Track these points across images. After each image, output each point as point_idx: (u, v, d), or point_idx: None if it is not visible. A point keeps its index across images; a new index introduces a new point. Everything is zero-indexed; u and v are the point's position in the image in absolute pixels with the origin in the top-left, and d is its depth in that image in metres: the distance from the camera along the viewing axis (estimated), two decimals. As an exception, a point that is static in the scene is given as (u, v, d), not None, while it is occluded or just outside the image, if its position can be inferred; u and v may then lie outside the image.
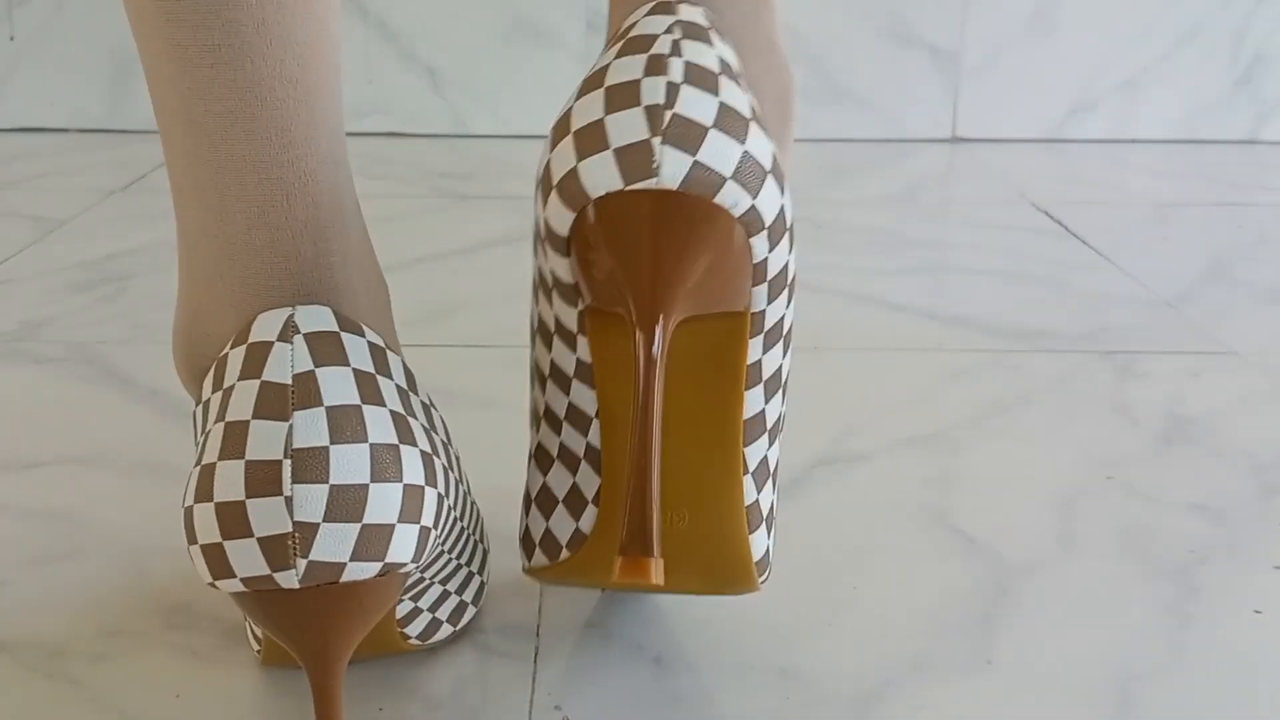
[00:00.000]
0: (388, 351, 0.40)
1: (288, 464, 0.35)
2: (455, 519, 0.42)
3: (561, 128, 0.38)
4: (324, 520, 0.35)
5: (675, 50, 0.37)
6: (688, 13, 0.39)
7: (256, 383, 0.36)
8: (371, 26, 1.37)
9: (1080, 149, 1.40)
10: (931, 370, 0.77)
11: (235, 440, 0.36)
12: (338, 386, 0.37)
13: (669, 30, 0.38)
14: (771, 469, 0.43)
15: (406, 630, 0.45)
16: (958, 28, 1.39)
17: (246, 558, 0.35)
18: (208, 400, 0.38)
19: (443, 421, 0.43)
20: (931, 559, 0.56)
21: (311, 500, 0.35)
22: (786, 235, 0.39)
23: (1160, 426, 0.69)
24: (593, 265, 0.38)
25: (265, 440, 0.35)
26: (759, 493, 0.42)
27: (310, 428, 0.36)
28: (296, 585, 0.36)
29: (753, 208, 0.37)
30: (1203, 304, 0.89)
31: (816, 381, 0.75)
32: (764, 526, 0.43)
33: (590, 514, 0.42)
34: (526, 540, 0.45)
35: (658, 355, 0.37)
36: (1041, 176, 1.27)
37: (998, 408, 0.71)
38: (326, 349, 0.37)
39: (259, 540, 0.35)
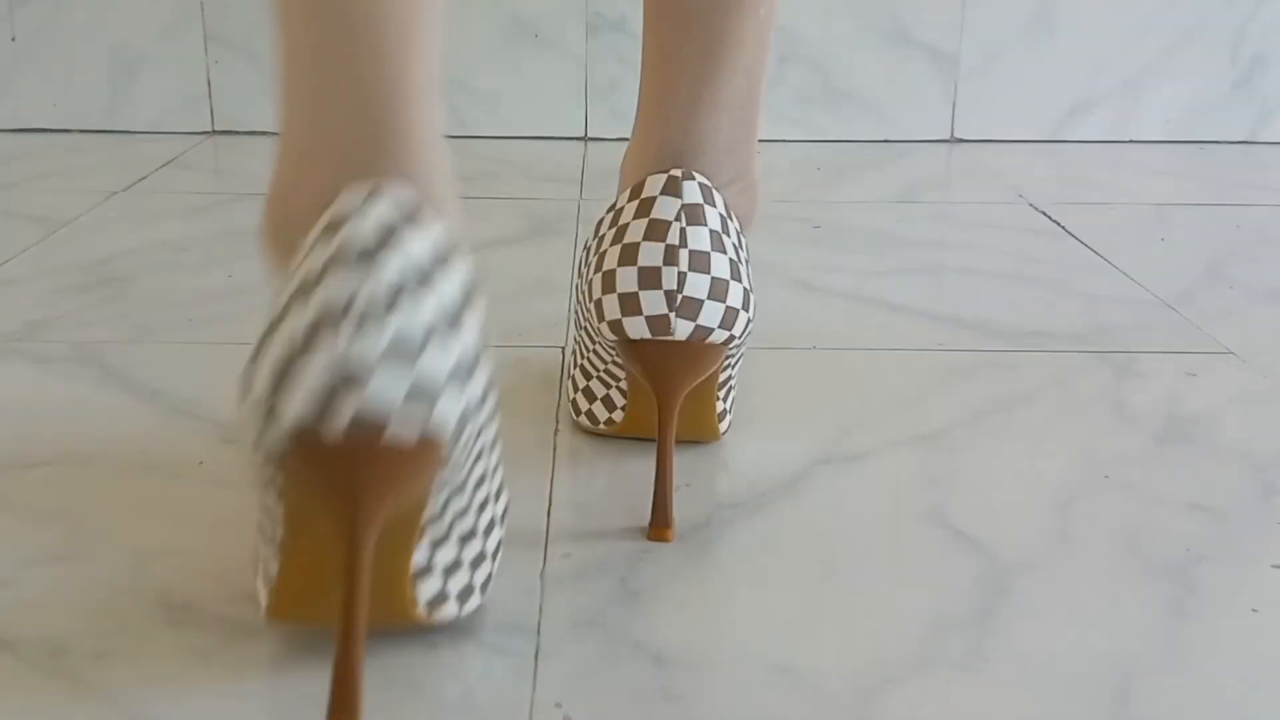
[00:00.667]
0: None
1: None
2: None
3: (608, 283, 0.56)
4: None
5: (682, 240, 0.55)
6: (689, 192, 0.56)
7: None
8: (371, 27, 1.37)
9: (1079, 150, 1.40)
10: (931, 370, 0.77)
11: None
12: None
13: (678, 217, 0.55)
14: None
15: (418, 591, 0.46)
16: (956, 29, 1.40)
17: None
18: (293, 272, 0.42)
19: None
20: (931, 558, 0.56)
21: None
22: (748, 317, 0.57)
23: (1158, 426, 0.69)
24: (633, 366, 0.58)
25: (335, 290, 0.39)
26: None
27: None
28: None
29: (730, 335, 0.57)
30: (1201, 304, 0.89)
31: (816, 381, 0.75)
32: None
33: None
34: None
35: (672, 417, 0.57)
36: (1040, 177, 1.27)
37: (996, 407, 0.71)
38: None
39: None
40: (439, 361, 0.39)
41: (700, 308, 0.55)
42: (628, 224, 0.56)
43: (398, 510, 0.41)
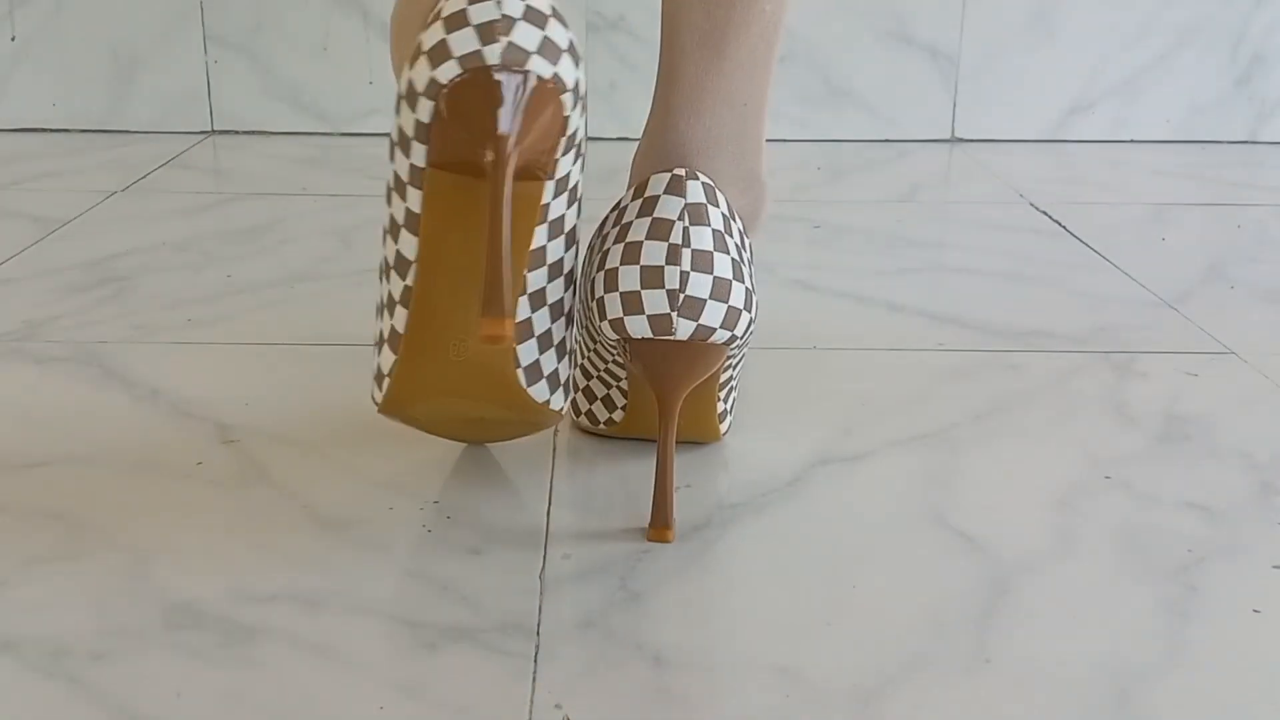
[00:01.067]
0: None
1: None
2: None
3: (611, 282, 0.56)
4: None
5: (685, 239, 0.55)
6: (693, 191, 0.56)
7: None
8: (372, 27, 1.37)
9: (1079, 149, 1.40)
10: (931, 370, 0.77)
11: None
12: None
13: (680, 216, 0.55)
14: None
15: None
16: (957, 28, 1.39)
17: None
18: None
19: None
20: (931, 558, 0.56)
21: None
22: (750, 317, 0.57)
23: (1159, 426, 0.69)
24: (634, 365, 0.57)
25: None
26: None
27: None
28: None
29: (732, 336, 0.56)
30: (1201, 304, 0.89)
31: (816, 381, 0.75)
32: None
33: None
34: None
35: (673, 416, 0.57)
36: (1040, 177, 1.27)
37: (997, 407, 0.71)
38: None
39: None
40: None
41: (702, 307, 0.55)
42: (630, 223, 0.56)
43: (529, 138, 0.50)
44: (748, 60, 0.59)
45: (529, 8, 0.49)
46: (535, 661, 0.48)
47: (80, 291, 0.88)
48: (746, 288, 0.56)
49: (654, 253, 0.55)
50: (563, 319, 0.56)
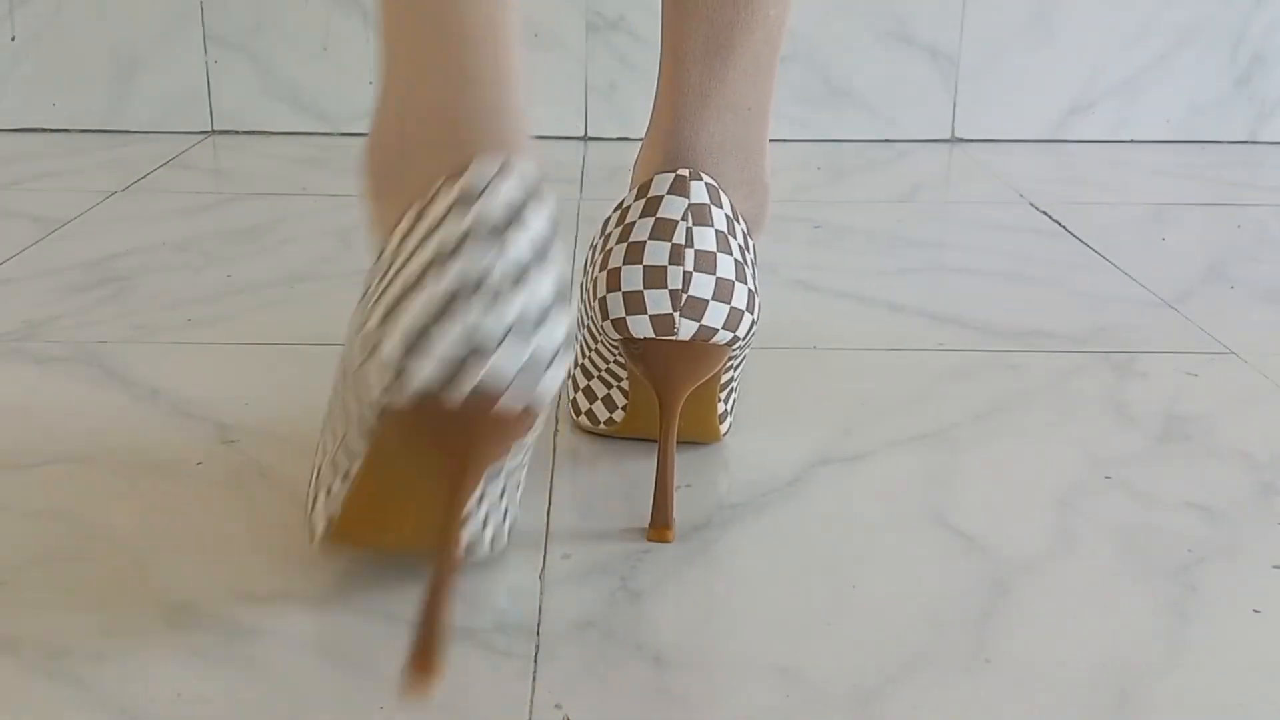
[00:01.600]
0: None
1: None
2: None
3: (613, 281, 0.56)
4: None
5: (688, 240, 0.55)
6: (696, 192, 0.56)
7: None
8: (372, 27, 1.37)
9: (1079, 149, 1.40)
10: (931, 370, 0.77)
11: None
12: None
13: (684, 216, 0.55)
14: (730, 391, 0.65)
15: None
16: (957, 28, 1.39)
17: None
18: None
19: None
20: (931, 558, 0.56)
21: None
22: (752, 319, 0.57)
23: (1159, 426, 0.69)
24: (635, 365, 0.57)
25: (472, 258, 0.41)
26: (725, 404, 0.64)
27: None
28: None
29: (734, 337, 0.57)
30: (1201, 304, 0.89)
31: (816, 381, 0.75)
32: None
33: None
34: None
35: (674, 417, 0.57)
36: (1040, 177, 1.27)
37: (997, 407, 0.71)
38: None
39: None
40: (551, 338, 0.42)
41: (705, 308, 0.55)
42: (634, 222, 0.56)
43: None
44: (751, 65, 0.59)
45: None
46: (535, 661, 0.48)
47: (80, 291, 0.88)
48: (749, 289, 0.56)
49: (657, 252, 0.55)
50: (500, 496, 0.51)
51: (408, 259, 0.43)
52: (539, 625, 0.50)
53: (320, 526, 0.49)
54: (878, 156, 1.35)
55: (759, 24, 0.58)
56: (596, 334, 0.61)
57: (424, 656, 0.40)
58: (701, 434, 0.64)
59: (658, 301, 0.54)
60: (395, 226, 0.45)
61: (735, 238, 0.56)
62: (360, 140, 1.37)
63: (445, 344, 0.41)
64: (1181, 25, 1.40)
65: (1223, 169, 1.32)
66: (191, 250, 0.98)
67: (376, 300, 0.43)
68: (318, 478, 0.52)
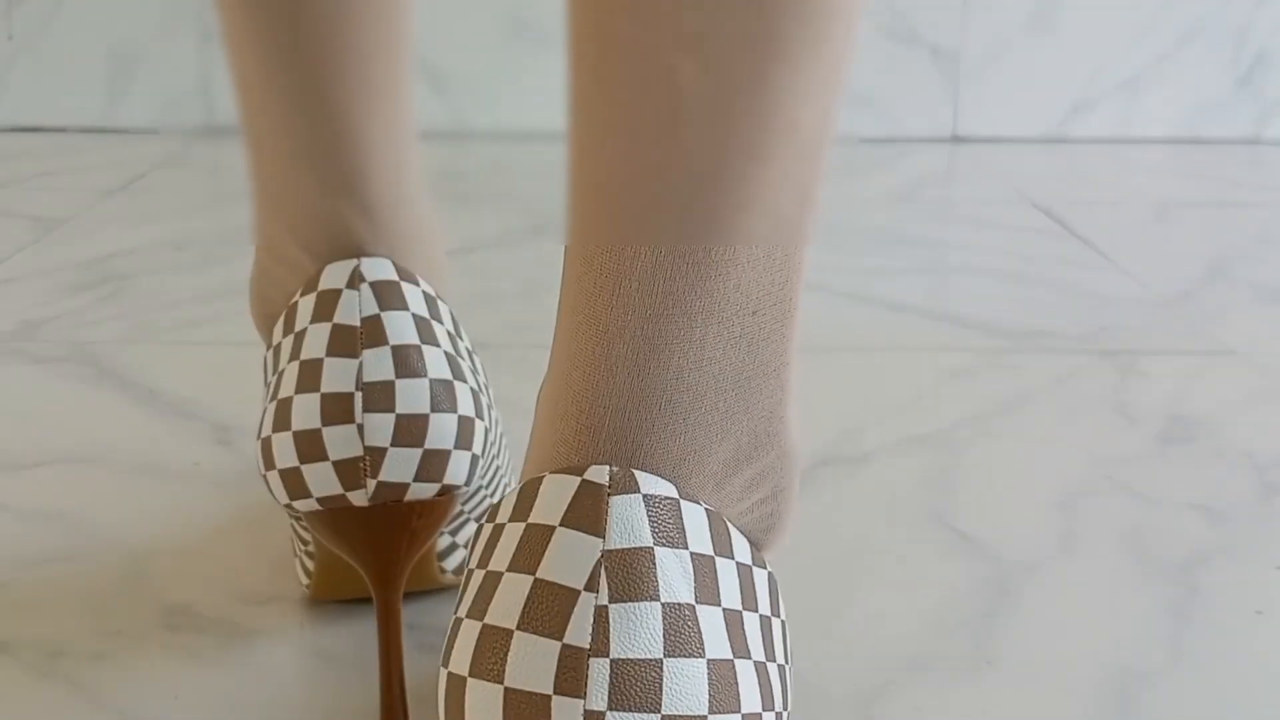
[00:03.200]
0: (439, 300, 0.44)
1: (359, 396, 0.40)
2: (494, 455, 0.46)
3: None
4: (391, 445, 0.40)
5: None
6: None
7: (328, 325, 0.41)
8: (371, 26, 1.37)
9: (1081, 148, 1.40)
10: (932, 370, 0.76)
11: (310, 376, 0.41)
12: (400, 328, 0.41)
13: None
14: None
15: (444, 565, 0.49)
16: (958, 26, 1.39)
17: (322, 479, 0.40)
18: (279, 344, 0.43)
19: (481, 366, 0.46)
20: (932, 559, 0.55)
21: (380, 428, 0.40)
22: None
23: (1161, 426, 0.69)
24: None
25: (338, 375, 0.40)
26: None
27: (378, 364, 0.40)
28: (366, 503, 0.41)
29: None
30: (1203, 304, 0.89)
31: (816, 381, 0.75)
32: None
33: None
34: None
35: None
36: (1042, 176, 1.27)
37: (998, 408, 0.71)
38: (389, 295, 0.41)
39: (333, 463, 0.40)
40: (446, 421, 0.41)
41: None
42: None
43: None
44: (762, 216, 0.31)
45: (399, 423, 0.40)
46: (534, 663, 0.48)
47: (78, 291, 0.88)
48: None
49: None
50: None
51: (283, 373, 0.42)
52: (538, 626, 0.50)
53: (303, 581, 0.50)
54: (879, 155, 1.35)
55: (781, 139, 0.30)
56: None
57: (389, 716, 0.42)
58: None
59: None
60: (271, 337, 0.44)
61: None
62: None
63: (334, 450, 0.40)
64: (1184, 24, 1.40)
65: (1225, 168, 1.32)
66: (190, 250, 0.98)
67: (265, 411, 0.42)
68: (292, 534, 0.51)
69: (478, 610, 0.28)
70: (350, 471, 0.40)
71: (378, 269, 0.42)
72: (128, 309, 0.85)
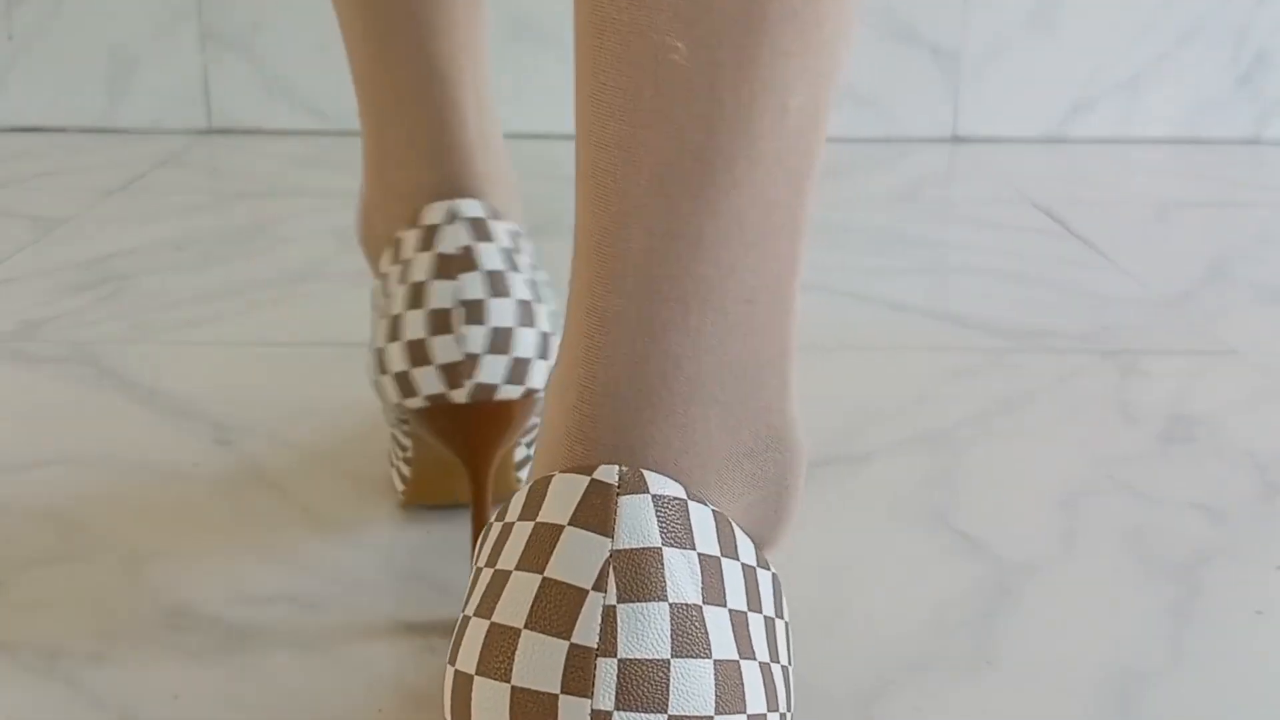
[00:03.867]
0: (519, 235, 0.51)
1: (458, 311, 0.48)
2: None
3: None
4: (485, 352, 0.48)
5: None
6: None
7: (431, 254, 0.49)
8: (371, 26, 1.37)
9: (1081, 148, 1.40)
10: (933, 370, 0.76)
11: (417, 296, 0.49)
12: (490, 256, 0.49)
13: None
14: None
15: (519, 475, 0.57)
16: (958, 26, 1.39)
17: (429, 380, 0.48)
18: (387, 272, 0.51)
19: (553, 295, 0.52)
20: (932, 559, 0.55)
21: (477, 338, 0.48)
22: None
23: (1162, 426, 0.69)
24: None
25: (441, 294, 0.48)
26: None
27: (473, 285, 0.48)
28: (465, 400, 0.48)
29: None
30: (1204, 303, 0.89)
31: (817, 381, 0.75)
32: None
33: None
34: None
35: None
36: (1042, 176, 1.27)
37: (999, 407, 0.71)
38: (480, 229, 0.49)
39: (438, 367, 0.48)
40: (529, 335, 0.49)
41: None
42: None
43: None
44: (754, 204, 0.31)
45: (493, 336, 0.48)
46: (535, 663, 0.48)
47: (78, 291, 0.88)
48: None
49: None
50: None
51: (392, 295, 0.50)
52: (538, 627, 0.50)
53: (399, 488, 0.58)
54: (879, 155, 1.35)
55: (770, 121, 0.30)
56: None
57: None
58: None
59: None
60: (380, 267, 0.52)
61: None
62: (357, 140, 1.37)
63: (439, 356, 0.48)
64: (1184, 23, 1.40)
65: (1225, 168, 1.32)
66: (190, 250, 0.98)
67: (378, 326, 0.51)
68: (392, 445, 0.60)
69: (485, 608, 0.29)
70: (452, 373, 0.48)
71: (471, 208, 0.50)
72: (128, 309, 0.85)
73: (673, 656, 0.28)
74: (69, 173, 1.23)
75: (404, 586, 0.52)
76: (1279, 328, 0.85)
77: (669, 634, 0.28)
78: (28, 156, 1.29)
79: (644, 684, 0.27)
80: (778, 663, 0.31)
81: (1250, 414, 0.71)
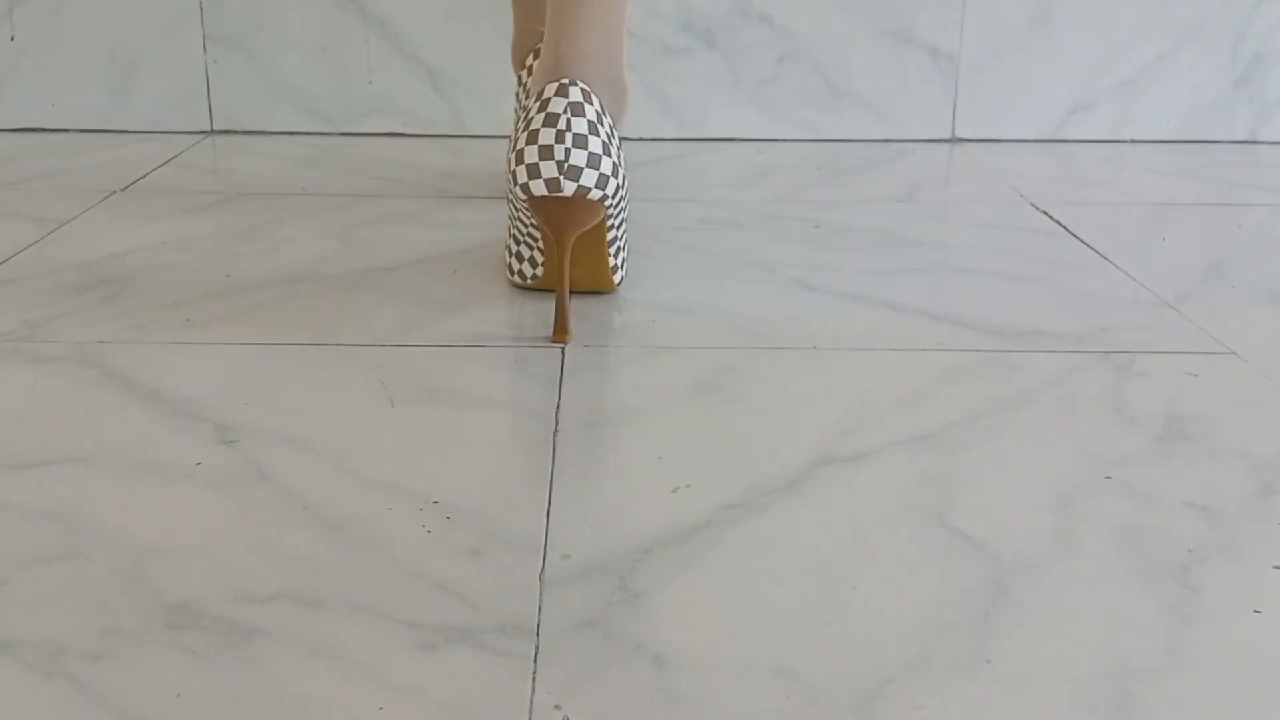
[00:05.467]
0: (604, 114, 0.79)
1: (569, 136, 0.77)
2: (623, 194, 0.82)
3: (519, 159, 0.78)
4: (584, 166, 0.77)
5: (568, 125, 0.77)
6: (573, 94, 0.78)
7: (544, 114, 0.78)
8: (371, 26, 1.37)
9: (1079, 149, 1.40)
10: (931, 370, 0.77)
11: (549, 121, 0.77)
12: (584, 115, 0.78)
13: (565, 110, 0.78)
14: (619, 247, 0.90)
15: (614, 261, 0.88)
16: (957, 28, 1.39)
17: (550, 173, 0.77)
18: (526, 85, 0.91)
19: (619, 143, 0.82)
20: (931, 559, 0.56)
21: (579, 157, 0.77)
22: (617, 183, 0.80)
23: (1159, 426, 0.69)
24: (538, 218, 0.81)
25: (559, 127, 0.78)
26: (615, 260, 0.89)
27: (576, 126, 0.77)
28: (569, 194, 0.78)
29: (604, 194, 0.79)
30: (1202, 304, 0.89)
31: (816, 381, 0.75)
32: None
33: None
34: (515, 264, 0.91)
35: (566, 251, 0.80)
36: (1040, 177, 1.27)
37: (997, 407, 0.71)
38: (577, 100, 0.78)
39: (557, 163, 0.77)
40: (608, 162, 0.78)
41: (580, 173, 0.77)
42: (532, 118, 0.78)
43: (592, 226, 0.80)
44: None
45: (590, 155, 0.77)
46: (535, 662, 0.48)
47: (79, 291, 0.88)
48: (614, 161, 0.79)
49: (547, 136, 0.77)
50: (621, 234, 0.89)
51: (528, 121, 0.78)
52: (539, 625, 0.50)
53: (527, 279, 0.88)
54: (877, 156, 1.35)
55: (596, 25, 0.81)
56: (516, 202, 0.86)
57: (560, 330, 0.80)
58: (597, 282, 0.88)
59: (549, 170, 0.77)
60: (525, 96, 0.93)
61: (602, 126, 0.79)
62: (360, 140, 1.37)
63: (558, 158, 0.77)
64: (1182, 25, 1.40)
65: (1223, 169, 1.32)
66: (191, 250, 0.98)
67: (515, 136, 0.79)
68: (510, 239, 0.89)
69: (526, 128, 0.78)
70: (567, 171, 0.77)
71: (573, 91, 0.78)
72: (129, 309, 0.85)
73: (589, 134, 0.78)
74: (70, 173, 1.23)
75: (404, 585, 0.53)
76: (1276, 328, 0.85)
77: (587, 128, 0.78)
78: (29, 157, 1.29)
79: (580, 141, 0.77)
80: (610, 144, 0.79)
81: (1247, 414, 0.71)
